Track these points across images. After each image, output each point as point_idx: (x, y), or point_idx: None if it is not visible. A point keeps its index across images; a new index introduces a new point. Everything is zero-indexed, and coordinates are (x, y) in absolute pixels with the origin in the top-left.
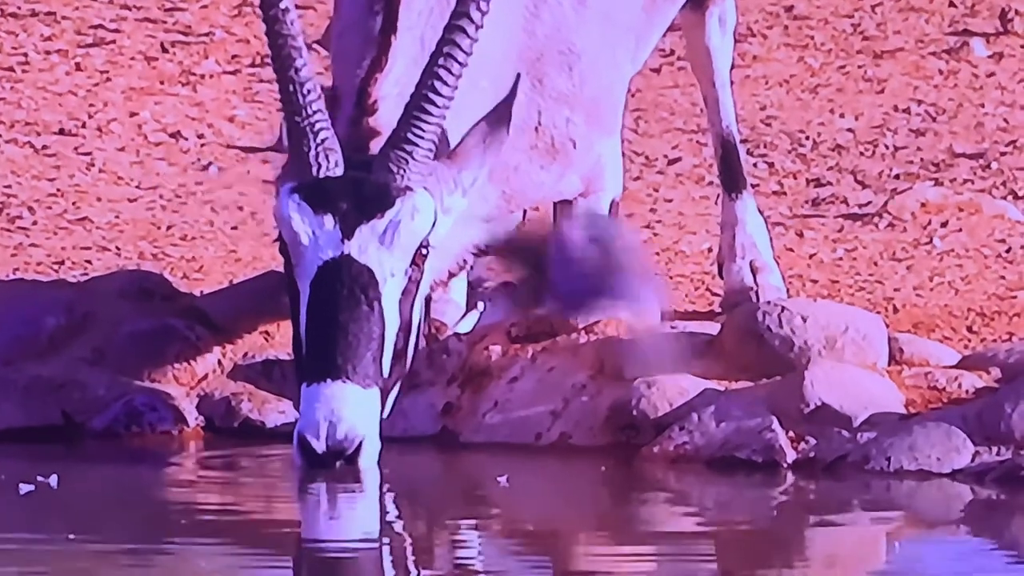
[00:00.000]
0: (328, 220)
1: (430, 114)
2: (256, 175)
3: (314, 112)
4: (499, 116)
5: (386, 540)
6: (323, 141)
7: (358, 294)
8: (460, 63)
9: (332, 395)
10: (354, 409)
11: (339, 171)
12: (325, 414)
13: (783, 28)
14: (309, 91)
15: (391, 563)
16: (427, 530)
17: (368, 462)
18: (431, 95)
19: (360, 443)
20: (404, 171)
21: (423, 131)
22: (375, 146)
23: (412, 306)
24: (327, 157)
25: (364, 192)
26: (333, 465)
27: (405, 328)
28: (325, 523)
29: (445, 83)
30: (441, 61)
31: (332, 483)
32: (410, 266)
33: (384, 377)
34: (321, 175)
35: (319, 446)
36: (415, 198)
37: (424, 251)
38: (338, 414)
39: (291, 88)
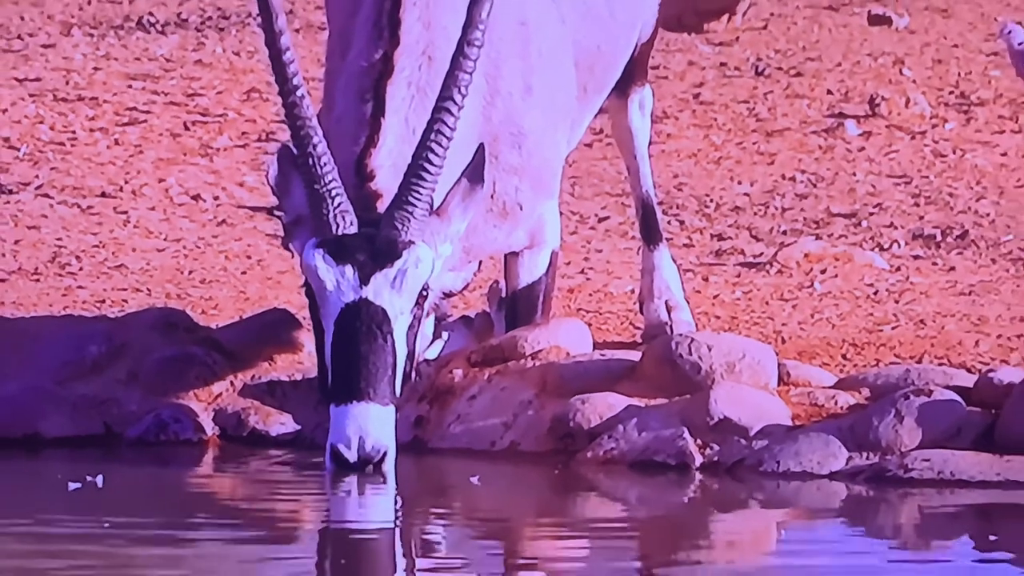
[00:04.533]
0: (348, 270)
1: (425, 180)
2: (261, 230)
3: (330, 181)
4: (474, 176)
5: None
6: (339, 205)
7: (375, 330)
8: (448, 137)
9: (359, 414)
10: (377, 425)
11: (354, 229)
12: (355, 430)
13: (692, 112)
14: (325, 163)
15: (390, 546)
16: (411, 519)
17: (389, 467)
18: (426, 164)
19: (384, 452)
20: (407, 227)
21: (420, 194)
22: (379, 206)
23: (415, 337)
24: (343, 218)
25: (376, 246)
26: (362, 471)
27: (410, 355)
28: (347, 510)
29: (436, 154)
30: (432, 136)
31: (361, 482)
32: (415, 306)
33: (396, 396)
34: (339, 232)
35: (351, 456)
36: (418, 250)
37: (425, 293)
38: (365, 430)
39: (310, 161)
